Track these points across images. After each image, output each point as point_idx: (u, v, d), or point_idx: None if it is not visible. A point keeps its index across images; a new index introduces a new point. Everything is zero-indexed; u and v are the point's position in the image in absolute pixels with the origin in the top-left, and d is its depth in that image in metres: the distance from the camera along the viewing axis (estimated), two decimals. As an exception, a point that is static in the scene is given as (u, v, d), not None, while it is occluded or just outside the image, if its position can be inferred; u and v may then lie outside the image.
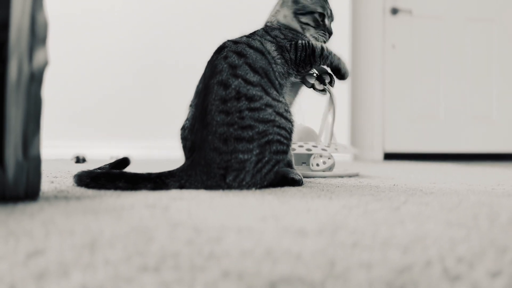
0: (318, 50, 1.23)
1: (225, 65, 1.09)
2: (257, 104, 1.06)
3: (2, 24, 0.78)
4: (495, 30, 3.89)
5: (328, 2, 1.33)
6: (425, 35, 3.80)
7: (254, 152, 1.04)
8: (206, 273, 0.42)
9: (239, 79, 1.07)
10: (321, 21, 1.30)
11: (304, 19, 1.28)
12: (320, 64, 1.26)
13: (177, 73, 3.31)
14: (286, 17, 1.29)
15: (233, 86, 1.06)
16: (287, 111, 1.13)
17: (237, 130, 1.04)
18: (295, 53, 1.21)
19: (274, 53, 1.19)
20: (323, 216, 0.72)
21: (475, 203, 0.90)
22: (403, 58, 3.77)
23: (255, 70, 1.10)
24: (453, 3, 3.85)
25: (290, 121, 1.12)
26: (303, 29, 1.29)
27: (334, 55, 1.27)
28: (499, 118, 3.90)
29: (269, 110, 1.07)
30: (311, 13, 1.28)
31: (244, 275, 0.42)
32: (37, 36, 0.81)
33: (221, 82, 1.07)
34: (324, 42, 1.31)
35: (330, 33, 1.33)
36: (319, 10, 1.29)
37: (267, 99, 1.08)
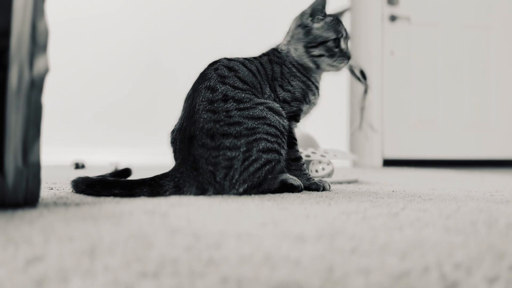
0: (295, 146, 1.22)
1: (214, 74, 1.11)
2: (247, 104, 1.08)
3: (3, 32, 0.79)
4: (492, 36, 3.91)
5: (341, 23, 1.27)
6: (423, 42, 3.82)
7: (242, 150, 1.05)
8: (205, 279, 0.42)
9: (227, 85, 1.09)
10: (336, 47, 1.24)
11: (316, 52, 1.23)
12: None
13: (176, 79, 3.31)
14: (297, 50, 1.25)
15: (220, 90, 1.08)
16: (282, 107, 1.15)
17: (223, 126, 1.05)
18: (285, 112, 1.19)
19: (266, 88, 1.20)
20: (322, 222, 0.72)
21: (473, 209, 0.90)
22: (401, 64, 3.79)
23: (244, 82, 1.13)
24: (451, 10, 3.87)
25: (283, 117, 1.13)
26: (315, 62, 1.24)
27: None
28: (497, 125, 3.91)
29: (260, 107, 1.08)
30: (323, 43, 1.23)
31: (243, 281, 0.42)
32: (37, 43, 0.82)
33: (209, 87, 1.09)
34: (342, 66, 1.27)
35: (349, 57, 1.26)
36: (332, 36, 1.23)
37: (258, 100, 1.10)
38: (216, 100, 1.07)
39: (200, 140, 1.05)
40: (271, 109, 1.10)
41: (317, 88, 1.29)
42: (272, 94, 1.20)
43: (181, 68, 3.33)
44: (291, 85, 1.24)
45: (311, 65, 1.26)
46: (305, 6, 1.27)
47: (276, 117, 1.10)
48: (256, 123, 1.06)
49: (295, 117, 1.25)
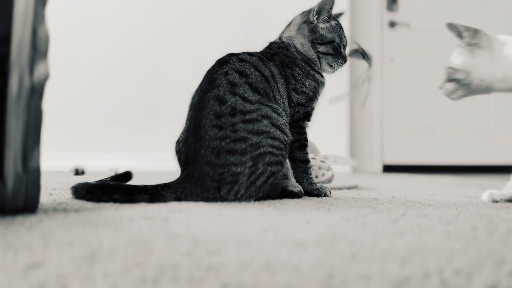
0: (305, 148, 1.24)
1: (224, 81, 1.08)
2: (253, 115, 1.06)
3: (4, 38, 0.79)
4: (492, 43, 3.93)
5: (342, 29, 1.32)
6: (423, 48, 3.83)
7: (247, 165, 1.04)
8: (205, 285, 0.42)
9: (237, 97, 1.07)
10: (339, 50, 1.30)
11: (322, 48, 1.28)
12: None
13: (177, 85, 3.32)
14: (304, 46, 1.28)
15: (229, 103, 1.06)
16: (286, 125, 1.13)
17: (229, 143, 1.03)
18: (296, 112, 1.23)
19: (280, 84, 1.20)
20: (322, 228, 0.72)
21: (473, 215, 0.90)
22: (401, 70, 3.80)
23: (255, 90, 1.10)
24: (450, 16, 3.88)
25: (286, 134, 1.12)
26: (319, 58, 1.28)
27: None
28: (496, 130, 3.92)
29: (265, 122, 1.07)
30: (330, 42, 1.28)
31: (243, 287, 0.42)
32: (38, 49, 0.82)
33: (217, 97, 1.07)
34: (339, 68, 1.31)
35: (346, 61, 1.32)
36: (337, 40, 1.29)
37: (265, 110, 1.08)
38: (224, 115, 1.05)
39: (206, 157, 1.03)
40: (275, 125, 1.08)
41: (322, 82, 1.31)
42: (286, 101, 1.20)
43: (182, 74, 3.34)
44: (305, 86, 1.25)
45: (315, 58, 1.29)
46: (305, 6, 1.32)
47: (278, 132, 1.09)
48: (259, 138, 1.05)
49: (308, 117, 1.27)
